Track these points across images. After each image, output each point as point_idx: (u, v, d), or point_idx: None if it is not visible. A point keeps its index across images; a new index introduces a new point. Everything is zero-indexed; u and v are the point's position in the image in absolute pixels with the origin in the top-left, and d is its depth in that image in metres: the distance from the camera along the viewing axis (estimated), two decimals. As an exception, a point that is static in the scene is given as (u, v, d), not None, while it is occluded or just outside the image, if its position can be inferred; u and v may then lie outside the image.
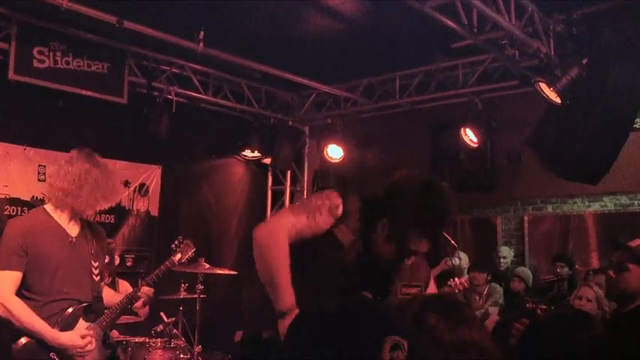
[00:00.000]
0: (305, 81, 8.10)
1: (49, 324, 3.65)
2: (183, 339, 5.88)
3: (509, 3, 5.63)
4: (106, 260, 5.81)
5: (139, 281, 4.23)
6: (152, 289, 4.17)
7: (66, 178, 3.79)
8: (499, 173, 7.97)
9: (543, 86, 5.83)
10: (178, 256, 4.42)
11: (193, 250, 4.48)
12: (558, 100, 5.77)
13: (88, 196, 3.78)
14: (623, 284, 3.43)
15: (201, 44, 6.57)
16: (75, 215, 3.87)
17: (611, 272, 3.64)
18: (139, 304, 4.16)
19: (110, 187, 3.94)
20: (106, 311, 3.94)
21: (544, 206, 8.02)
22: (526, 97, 6.71)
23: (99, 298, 3.97)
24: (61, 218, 3.84)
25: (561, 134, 5.99)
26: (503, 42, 6.13)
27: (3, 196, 6.75)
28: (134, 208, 7.92)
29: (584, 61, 5.69)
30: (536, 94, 5.96)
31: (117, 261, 7.46)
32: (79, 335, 3.72)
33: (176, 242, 4.49)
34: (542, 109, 6.25)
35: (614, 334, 3.03)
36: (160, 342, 5.62)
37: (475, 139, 7.44)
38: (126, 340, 5.53)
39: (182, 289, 6.22)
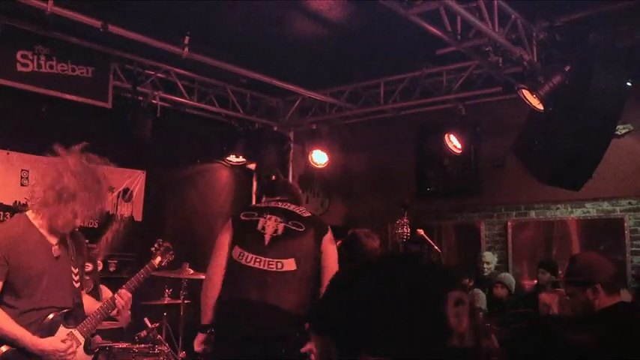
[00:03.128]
0: (290, 86, 8.12)
1: (29, 331, 3.61)
2: (167, 345, 5.85)
3: (492, 10, 5.67)
4: (90, 268, 5.78)
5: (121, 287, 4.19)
6: (129, 295, 4.11)
7: (44, 187, 3.71)
8: (483, 179, 8.03)
9: (526, 93, 5.88)
10: (158, 259, 4.39)
11: (172, 253, 4.45)
12: (541, 107, 5.82)
13: (67, 213, 3.70)
14: (577, 307, 3.42)
15: (186, 49, 6.57)
16: (52, 227, 3.80)
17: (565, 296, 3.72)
18: (114, 312, 4.11)
19: (94, 208, 3.84)
20: (87, 317, 3.91)
21: (527, 212, 8.09)
22: (510, 103, 6.76)
23: (79, 304, 3.93)
24: (42, 226, 3.79)
25: (544, 140, 6.04)
26: (487, 49, 6.18)
27: (-14, 201, 6.71)
28: (118, 213, 7.89)
29: (567, 69, 5.74)
30: (520, 101, 6.01)
31: (100, 266, 7.42)
32: (60, 340, 3.69)
33: (155, 245, 4.46)
34: (525, 115, 6.30)
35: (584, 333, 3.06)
36: (144, 348, 5.60)
37: (459, 145, 7.48)
38: (109, 346, 5.49)
39: (166, 295, 6.21)
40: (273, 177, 5.06)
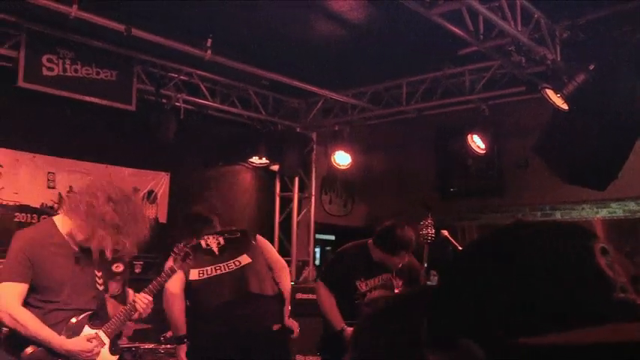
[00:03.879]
0: (312, 88, 8.13)
1: (55, 332, 3.68)
2: (191, 345, 5.88)
3: (515, 10, 5.64)
4: (121, 268, 5.84)
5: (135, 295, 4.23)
6: (149, 298, 4.16)
7: (84, 213, 3.76)
8: (507, 179, 7.98)
9: (550, 92, 5.84)
10: (178, 264, 4.44)
11: (191, 258, 4.50)
12: (565, 107, 5.77)
13: (98, 235, 3.76)
14: None
15: (208, 51, 6.62)
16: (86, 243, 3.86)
17: None
18: (135, 315, 4.16)
19: (130, 229, 3.91)
20: (111, 319, 3.97)
21: (552, 212, 8.02)
22: (533, 103, 6.71)
23: (103, 306, 4.00)
24: (67, 232, 3.85)
25: (569, 140, 6.00)
26: (510, 48, 6.14)
27: (13, 203, 6.79)
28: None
29: (591, 67, 5.69)
30: (544, 100, 5.97)
31: (120, 268, 7.48)
32: (85, 340, 3.75)
33: (175, 250, 4.50)
34: (549, 115, 6.25)
35: None
36: (170, 348, 5.64)
37: (482, 146, 7.45)
38: (135, 347, 5.55)
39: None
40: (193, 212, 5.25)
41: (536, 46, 5.89)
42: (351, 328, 4.89)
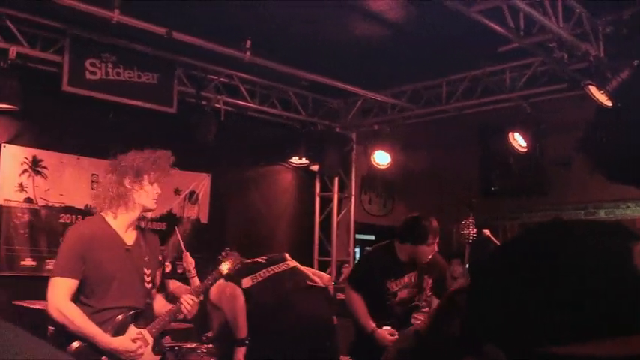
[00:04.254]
0: (351, 87, 8.13)
1: (101, 329, 3.74)
2: (233, 345, 5.93)
3: (556, 5, 5.56)
4: (169, 269, 5.96)
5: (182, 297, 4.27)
6: (195, 299, 4.20)
7: (109, 186, 3.88)
8: (549, 178, 7.87)
9: (593, 89, 5.74)
10: (226, 266, 4.46)
11: (240, 262, 4.52)
12: (609, 103, 5.67)
13: (140, 186, 3.88)
14: None
15: (248, 53, 6.66)
16: (137, 218, 3.95)
17: None
18: (181, 316, 4.20)
19: (154, 162, 4.01)
20: (156, 318, 4.01)
21: (596, 211, 7.88)
22: (575, 100, 6.61)
23: (149, 305, 4.04)
24: (118, 226, 3.92)
25: (613, 137, 5.90)
26: (551, 45, 6.05)
27: (58, 205, 6.93)
28: (185, 216, 8.05)
29: (635, 63, 5.58)
30: (586, 97, 5.87)
31: (169, 268, 7.58)
32: (130, 340, 3.80)
33: (223, 254, 4.53)
34: (592, 112, 6.15)
35: None
36: (212, 348, 5.69)
37: (524, 144, 7.35)
38: (178, 346, 5.61)
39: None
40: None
41: (579, 42, 5.80)
42: (382, 329, 4.90)
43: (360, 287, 5.17)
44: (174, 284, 4.32)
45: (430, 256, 5.12)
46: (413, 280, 5.15)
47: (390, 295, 5.08)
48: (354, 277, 5.47)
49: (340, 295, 7.48)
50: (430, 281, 5.22)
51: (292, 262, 5.06)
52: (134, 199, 3.89)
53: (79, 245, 3.76)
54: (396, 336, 4.72)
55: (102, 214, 3.95)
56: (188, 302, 4.10)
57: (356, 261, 9.00)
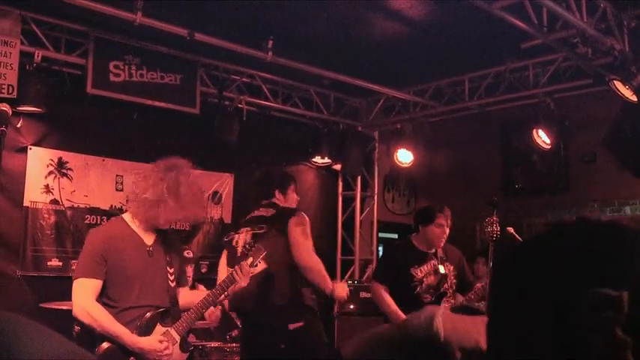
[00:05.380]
0: (373, 86, 8.11)
1: (128, 329, 3.76)
2: (257, 344, 5.95)
3: (580, 0, 5.50)
4: (191, 255, 6.00)
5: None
6: (248, 269, 4.22)
7: (145, 188, 3.90)
8: (574, 175, 7.79)
9: (618, 84, 5.68)
10: (250, 260, 4.46)
11: (264, 254, 4.51)
12: (634, 98, 5.60)
13: (165, 208, 3.88)
14: None
15: (269, 53, 6.68)
16: (151, 225, 3.98)
17: None
18: (207, 312, 4.20)
19: (191, 200, 4.02)
20: (182, 315, 4.03)
21: (622, 208, 7.78)
22: (600, 95, 6.53)
23: (175, 303, 4.06)
24: (139, 227, 3.96)
25: (639, 133, 5.82)
26: (575, 40, 5.99)
27: (84, 206, 7.00)
28: (208, 216, 8.08)
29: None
30: (611, 93, 5.80)
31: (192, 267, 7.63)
32: (157, 340, 3.82)
33: (246, 246, 4.55)
34: (617, 107, 6.08)
35: None
36: (235, 347, 5.72)
37: (548, 140, 7.28)
38: (202, 345, 5.64)
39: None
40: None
41: (603, 36, 5.72)
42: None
43: (386, 280, 5.36)
44: (184, 294, 4.28)
45: (443, 241, 5.39)
46: (436, 267, 5.36)
47: (417, 283, 5.19)
48: (379, 271, 5.69)
49: (364, 294, 7.49)
50: (452, 267, 5.45)
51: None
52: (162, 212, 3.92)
53: (101, 246, 3.80)
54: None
55: (123, 215, 4.00)
56: (243, 271, 4.12)
57: (380, 258, 9.01)
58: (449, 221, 5.41)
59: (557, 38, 5.94)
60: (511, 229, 5.72)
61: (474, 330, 1.53)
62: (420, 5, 6.16)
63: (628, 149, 5.95)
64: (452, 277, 5.38)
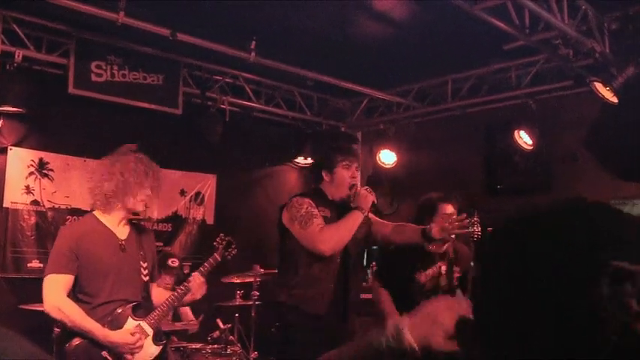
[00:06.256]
0: (356, 87, 8.12)
1: (100, 324, 3.77)
2: (239, 345, 5.94)
3: (562, 2, 5.52)
4: (176, 264, 5.97)
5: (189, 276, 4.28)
6: (202, 279, 4.21)
7: (105, 181, 3.91)
8: (555, 175, 7.81)
9: (599, 86, 5.71)
10: (220, 252, 4.48)
11: (234, 247, 4.53)
12: (615, 100, 5.64)
13: (132, 190, 3.90)
14: None
15: (253, 54, 6.66)
16: (125, 216, 3.98)
17: None
18: (188, 297, 4.20)
19: (147, 176, 4.02)
20: (155, 309, 4.03)
21: (603, 208, 7.81)
22: (582, 97, 6.57)
23: (148, 297, 4.09)
24: (110, 222, 3.97)
25: (619, 134, 5.86)
26: (557, 42, 6.02)
27: (64, 207, 6.95)
28: (190, 217, 8.06)
29: (641, 59, 5.55)
30: (592, 94, 5.84)
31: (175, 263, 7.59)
32: (129, 332, 3.82)
33: (218, 240, 4.56)
34: (598, 108, 6.12)
35: None
36: (217, 348, 5.70)
37: (530, 141, 7.32)
38: (183, 346, 5.62)
39: (238, 296, 6.30)
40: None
41: (584, 38, 5.76)
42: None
43: (390, 284, 5.06)
44: (157, 293, 4.27)
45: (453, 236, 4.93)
46: (443, 270, 5.11)
47: (419, 288, 5.03)
48: (382, 273, 5.34)
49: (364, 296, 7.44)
50: (458, 269, 5.19)
51: None
52: (121, 202, 3.93)
53: (71, 242, 3.81)
54: None
55: (93, 212, 4.01)
56: (196, 280, 4.13)
57: (382, 256, 8.93)
58: (456, 212, 5.05)
59: (539, 40, 5.97)
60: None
61: (442, 319, 1.50)
62: (403, 6, 6.17)
63: (608, 150, 5.99)
64: (455, 280, 5.20)
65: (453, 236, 4.34)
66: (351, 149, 4.51)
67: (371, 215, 4.45)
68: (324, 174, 4.37)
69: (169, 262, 6.13)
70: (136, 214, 4.04)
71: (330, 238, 4.05)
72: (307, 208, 4.17)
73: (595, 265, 0.83)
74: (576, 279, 0.85)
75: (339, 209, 4.23)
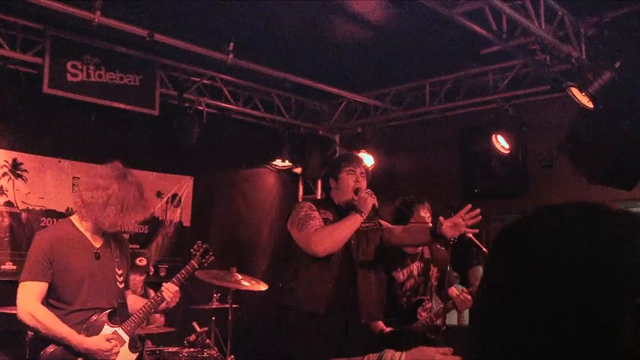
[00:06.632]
0: (334, 90, 8.12)
1: (75, 331, 3.73)
2: (215, 349, 5.90)
3: (539, 8, 5.57)
4: (144, 263, 5.93)
5: (162, 284, 4.26)
6: (176, 288, 4.19)
7: (92, 191, 3.86)
8: (532, 179, 7.87)
9: (575, 91, 5.76)
10: (198, 259, 4.47)
11: (212, 254, 4.52)
12: (590, 105, 5.69)
13: (111, 213, 3.84)
14: None
15: (230, 55, 6.63)
16: (98, 228, 3.95)
17: None
18: (163, 305, 4.19)
19: (136, 206, 3.98)
20: (131, 316, 4.01)
21: (579, 212, 7.87)
22: (558, 102, 6.62)
23: (123, 304, 4.05)
24: (86, 229, 3.93)
25: (594, 139, 5.91)
26: (534, 47, 6.07)
27: (39, 208, 6.86)
28: (167, 219, 7.99)
29: (617, 64, 5.60)
30: (569, 99, 5.89)
31: (151, 271, 7.54)
32: (105, 339, 3.79)
33: (195, 247, 4.55)
34: (575, 113, 6.17)
35: None
36: (193, 352, 5.66)
37: (507, 146, 7.36)
38: (159, 350, 5.57)
39: (214, 299, 6.26)
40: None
41: (561, 44, 5.82)
42: (390, 329, 4.85)
43: None
44: (132, 299, 4.25)
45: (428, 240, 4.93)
46: (419, 269, 5.15)
47: (397, 286, 5.06)
48: None
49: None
50: (436, 270, 5.25)
51: None
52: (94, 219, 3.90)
53: (46, 249, 3.77)
54: None
55: (71, 217, 3.98)
56: (170, 290, 4.11)
57: None
58: (430, 215, 5.15)
59: (516, 45, 6.01)
60: (470, 234, 5.74)
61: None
62: (381, 10, 6.18)
63: (584, 155, 6.03)
64: (433, 280, 5.22)
65: (471, 235, 4.31)
66: (355, 156, 4.64)
67: (384, 223, 4.49)
68: (330, 181, 4.45)
69: (137, 261, 6.11)
70: None
71: (324, 239, 4.07)
72: (306, 210, 4.24)
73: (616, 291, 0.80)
74: (591, 300, 0.81)
75: (344, 213, 4.26)
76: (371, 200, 4.17)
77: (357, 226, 4.14)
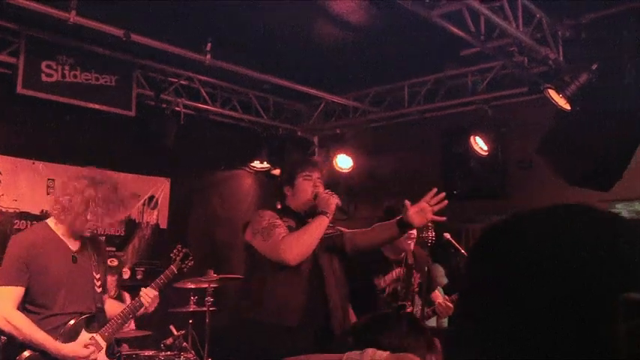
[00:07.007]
0: (313, 91, 8.09)
1: (51, 336, 3.67)
2: (193, 352, 5.85)
3: (516, 10, 5.58)
4: (115, 263, 5.88)
5: (141, 289, 4.22)
6: (155, 292, 4.15)
7: (70, 195, 3.81)
8: (510, 180, 7.91)
9: (552, 93, 5.79)
10: (177, 265, 4.43)
11: (191, 258, 4.49)
12: (567, 107, 5.72)
13: (88, 216, 3.80)
14: None
15: (208, 56, 6.57)
16: (75, 231, 3.89)
17: None
18: (141, 311, 4.16)
19: (113, 209, 3.93)
20: (109, 322, 3.96)
21: (557, 214, 7.90)
22: (536, 103, 6.64)
23: (101, 309, 4.01)
24: (63, 232, 3.87)
25: (572, 140, 5.94)
26: (512, 49, 6.09)
27: (12, 210, 6.75)
28: (144, 221, 7.91)
29: (594, 67, 5.64)
30: (547, 101, 5.91)
31: (127, 274, 7.45)
32: (82, 345, 3.74)
33: (175, 251, 4.51)
34: (552, 115, 6.19)
35: None
36: (170, 355, 5.60)
37: (485, 147, 7.38)
38: (135, 354, 5.50)
39: (191, 302, 6.20)
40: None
41: (539, 46, 5.84)
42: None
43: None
44: (109, 304, 4.19)
45: (412, 244, 5.01)
46: (400, 275, 5.07)
47: (379, 292, 4.99)
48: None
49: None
50: (418, 275, 5.16)
51: None
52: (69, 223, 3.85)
53: (23, 253, 3.71)
54: None
55: (47, 220, 3.92)
56: (149, 295, 4.07)
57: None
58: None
59: (494, 47, 6.02)
60: (448, 235, 5.75)
61: None
62: (360, 11, 6.16)
63: (561, 157, 6.06)
64: (415, 286, 5.15)
65: (430, 224, 4.22)
66: (310, 161, 4.46)
67: (345, 230, 4.34)
68: (286, 190, 4.23)
69: (108, 262, 6.03)
70: None
71: (293, 245, 3.83)
72: (269, 219, 3.98)
73: (606, 289, 0.77)
74: (582, 301, 0.78)
75: (305, 220, 4.06)
76: (333, 200, 4.02)
77: (325, 228, 3.96)
